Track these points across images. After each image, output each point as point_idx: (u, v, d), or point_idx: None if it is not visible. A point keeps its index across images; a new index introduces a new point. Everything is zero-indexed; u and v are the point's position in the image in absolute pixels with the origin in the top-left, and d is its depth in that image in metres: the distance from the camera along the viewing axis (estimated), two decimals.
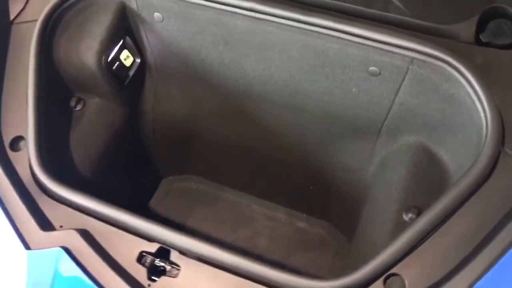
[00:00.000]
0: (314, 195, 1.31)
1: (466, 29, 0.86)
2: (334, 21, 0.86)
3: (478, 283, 0.66)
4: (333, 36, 0.88)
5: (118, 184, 1.19)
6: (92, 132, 1.11)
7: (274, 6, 0.89)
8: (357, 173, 1.13)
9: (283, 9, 0.89)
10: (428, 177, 0.93)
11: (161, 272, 0.77)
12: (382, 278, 0.71)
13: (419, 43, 0.83)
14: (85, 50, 1.02)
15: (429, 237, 0.73)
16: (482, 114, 0.79)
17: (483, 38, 0.86)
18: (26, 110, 0.92)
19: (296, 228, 1.39)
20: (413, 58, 0.84)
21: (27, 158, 0.88)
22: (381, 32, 0.84)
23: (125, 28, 1.09)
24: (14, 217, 0.81)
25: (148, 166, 1.41)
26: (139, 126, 1.27)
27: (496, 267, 0.67)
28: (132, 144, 1.28)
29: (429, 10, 0.88)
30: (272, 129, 1.18)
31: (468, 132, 0.84)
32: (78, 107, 1.10)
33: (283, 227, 1.39)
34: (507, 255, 0.67)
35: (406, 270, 0.71)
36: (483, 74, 0.80)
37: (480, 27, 0.86)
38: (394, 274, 0.71)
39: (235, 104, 1.18)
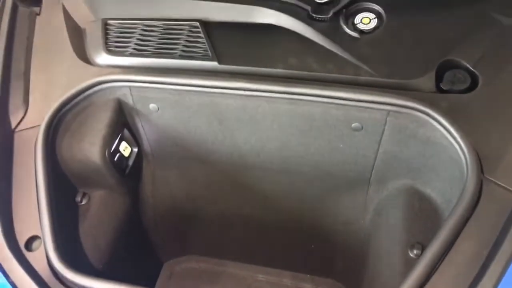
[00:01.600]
0: (316, 253, 1.36)
1: (427, 81, 1.00)
2: (316, 88, 0.98)
3: None
4: (317, 102, 1.00)
5: (124, 272, 1.20)
6: (99, 224, 1.14)
7: (261, 83, 1.01)
8: (355, 224, 1.20)
9: (270, 84, 1.01)
10: (422, 215, 1.01)
11: None
12: None
13: (392, 97, 0.96)
14: (89, 146, 1.08)
15: (439, 265, 0.80)
16: (459, 150, 0.90)
17: (443, 86, 1.00)
18: (39, 210, 0.96)
19: None
20: (389, 111, 0.96)
21: (44, 256, 0.91)
22: (359, 92, 0.97)
23: (122, 121, 1.17)
24: None
25: (150, 251, 1.42)
26: (140, 212, 1.31)
27: (504, 278, 0.74)
28: (135, 231, 1.31)
29: (394, 69, 1.02)
30: (268, 195, 1.25)
31: (450, 168, 0.95)
32: (84, 201, 1.14)
33: None
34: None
35: None
36: (451, 116, 0.93)
37: (439, 77, 1.01)
38: None
39: (230, 177, 1.25)
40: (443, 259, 0.80)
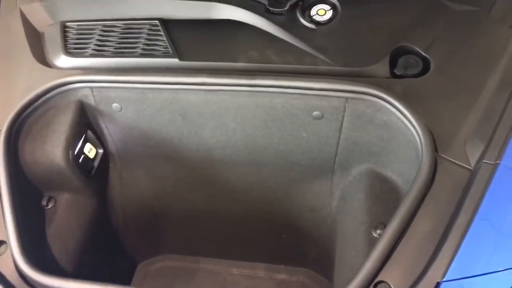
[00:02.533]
0: (288, 243, 1.38)
1: (382, 67, 1.04)
2: (276, 79, 1.01)
3: (451, 266, 0.76)
4: (278, 92, 1.02)
5: (96, 275, 1.19)
6: (66, 227, 1.14)
7: (222, 77, 1.03)
8: (322, 211, 1.23)
9: (231, 77, 1.03)
10: (384, 196, 1.05)
11: None
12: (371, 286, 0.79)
13: (349, 84, 0.99)
14: (52, 149, 1.08)
15: (399, 242, 0.83)
16: (413, 132, 0.94)
17: (397, 71, 1.04)
18: (3, 215, 0.95)
19: (277, 281, 1.43)
20: (347, 98, 0.99)
21: (11, 260, 0.90)
22: (318, 81, 0.99)
23: (86, 122, 1.17)
24: None
25: (122, 253, 1.42)
26: (109, 214, 1.30)
27: (461, 249, 0.78)
28: (105, 233, 1.30)
29: (350, 58, 1.06)
30: (237, 188, 1.27)
31: (407, 150, 0.99)
32: (50, 205, 1.13)
33: (264, 283, 1.43)
34: (467, 236, 0.79)
35: (389, 275, 0.80)
36: (405, 99, 0.96)
37: (393, 64, 1.05)
38: (380, 282, 0.80)
39: (198, 172, 1.26)
40: (403, 236, 0.83)
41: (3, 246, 0.93)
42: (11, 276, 0.89)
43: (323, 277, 1.39)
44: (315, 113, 1.03)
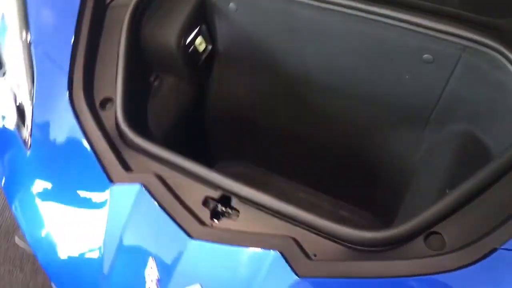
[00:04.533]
0: (359, 184, 1.38)
1: None
2: (392, 10, 0.96)
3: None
4: (391, 25, 0.97)
5: None
6: (165, 106, 1.25)
7: None
8: (404, 159, 1.20)
9: None
10: (474, 162, 0.99)
11: (222, 214, 0.87)
12: (423, 235, 0.78)
13: (472, 32, 0.91)
14: (168, 32, 1.16)
15: (469, 202, 0.79)
16: None
17: None
18: (116, 77, 1.07)
19: (338, 217, 1.45)
20: (465, 46, 0.92)
21: (113, 116, 1.02)
22: (437, 21, 0.93)
23: (202, 16, 1.23)
24: (102, 160, 0.94)
25: (203, 149, 1.53)
26: (202, 108, 1.40)
27: None
28: (195, 124, 1.41)
29: (482, 5, 0.96)
30: (325, 116, 1.28)
31: None
32: (156, 83, 1.25)
33: (326, 214, 1.46)
34: None
35: (446, 230, 0.77)
36: None
37: None
38: (434, 232, 0.78)
39: (292, 91, 1.28)
40: (475, 198, 0.79)
41: (110, 103, 1.05)
42: (111, 130, 1.01)
43: (383, 225, 1.38)
44: (426, 56, 0.98)
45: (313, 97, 1.26)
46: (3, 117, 1.09)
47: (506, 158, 0.80)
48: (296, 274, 0.75)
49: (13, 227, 1.73)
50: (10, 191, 1.03)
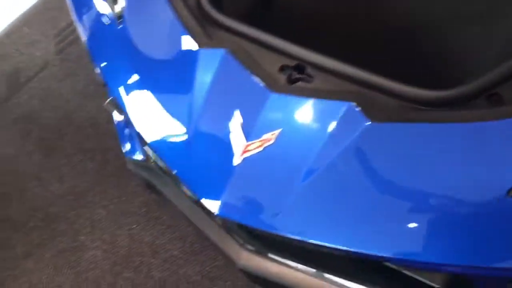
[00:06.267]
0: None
1: None
2: None
3: None
4: None
5: None
6: None
7: None
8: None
9: None
10: None
11: (298, 80, 0.97)
12: (484, 95, 0.85)
13: None
14: None
15: None
16: None
17: None
18: None
19: None
20: None
21: None
22: None
23: None
24: (190, 30, 1.04)
25: None
26: None
27: None
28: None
29: None
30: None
31: None
32: None
33: None
34: None
35: (505, 91, 0.85)
36: None
37: None
38: (495, 94, 0.86)
39: None
40: None
41: None
42: (194, 9, 1.10)
43: None
44: None
45: None
46: None
47: None
48: (370, 120, 0.85)
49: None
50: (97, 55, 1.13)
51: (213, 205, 0.93)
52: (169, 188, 1.25)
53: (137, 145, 1.34)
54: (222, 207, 0.92)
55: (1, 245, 1.60)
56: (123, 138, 1.39)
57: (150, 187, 1.54)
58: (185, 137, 0.99)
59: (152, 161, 1.28)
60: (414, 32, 1.29)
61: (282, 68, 0.98)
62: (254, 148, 0.92)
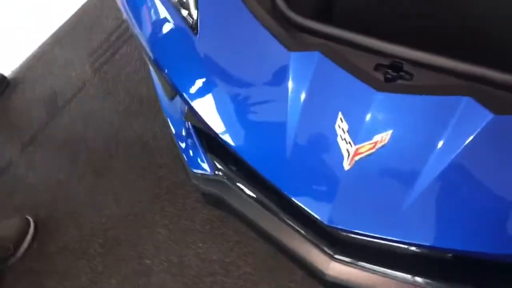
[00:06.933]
0: None
1: None
2: None
3: None
4: None
5: None
6: None
7: None
8: None
9: None
10: None
11: (397, 78, 0.92)
12: None
13: None
14: None
15: None
16: None
17: None
18: None
19: None
20: None
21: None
22: None
23: None
24: (275, 34, 1.00)
25: None
26: None
27: None
28: None
29: None
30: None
31: None
32: None
33: None
34: None
35: None
36: None
37: None
38: None
39: None
40: None
41: None
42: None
43: None
44: None
45: None
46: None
47: None
48: (493, 113, 0.80)
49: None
50: (179, 78, 1.09)
51: (322, 215, 0.89)
52: (241, 201, 1.21)
53: (205, 158, 1.29)
54: (332, 216, 0.87)
55: (65, 275, 1.55)
56: (187, 152, 1.34)
57: (211, 202, 1.50)
58: (284, 145, 0.94)
59: (222, 173, 1.24)
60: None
61: (377, 67, 0.93)
62: (366, 151, 0.87)
